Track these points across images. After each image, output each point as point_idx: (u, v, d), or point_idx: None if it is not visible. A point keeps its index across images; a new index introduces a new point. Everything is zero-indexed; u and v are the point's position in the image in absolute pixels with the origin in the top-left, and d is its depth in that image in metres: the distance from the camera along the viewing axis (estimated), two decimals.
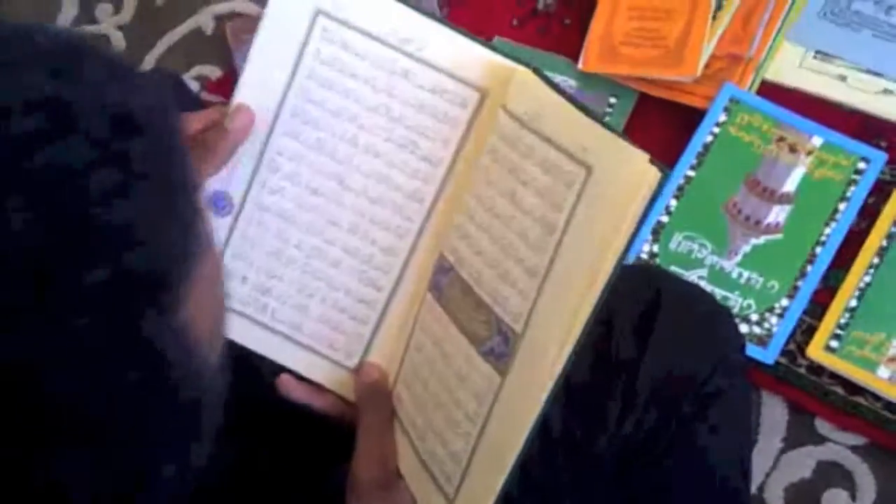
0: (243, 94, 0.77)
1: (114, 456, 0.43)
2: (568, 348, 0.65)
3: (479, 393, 0.71)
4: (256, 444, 0.92)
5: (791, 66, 1.30)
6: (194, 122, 0.75)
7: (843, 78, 1.28)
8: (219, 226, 0.79)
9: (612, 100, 1.30)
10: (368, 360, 0.81)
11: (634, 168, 0.62)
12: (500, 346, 0.70)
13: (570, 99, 0.68)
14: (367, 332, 0.82)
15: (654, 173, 0.61)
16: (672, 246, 1.21)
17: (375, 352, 0.83)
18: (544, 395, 0.66)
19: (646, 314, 0.92)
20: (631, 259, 1.19)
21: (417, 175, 0.79)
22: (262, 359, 0.85)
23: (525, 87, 0.72)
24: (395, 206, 0.79)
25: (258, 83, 0.77)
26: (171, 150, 0.44)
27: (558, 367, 0.65)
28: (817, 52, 1.30)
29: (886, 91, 1.26)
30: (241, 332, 0.80)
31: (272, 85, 0.77)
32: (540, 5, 1.41)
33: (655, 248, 1.21)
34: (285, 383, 0.83)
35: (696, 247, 1.21)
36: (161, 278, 0.41)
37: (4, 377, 0.37)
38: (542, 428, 0.71)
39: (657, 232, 1.21)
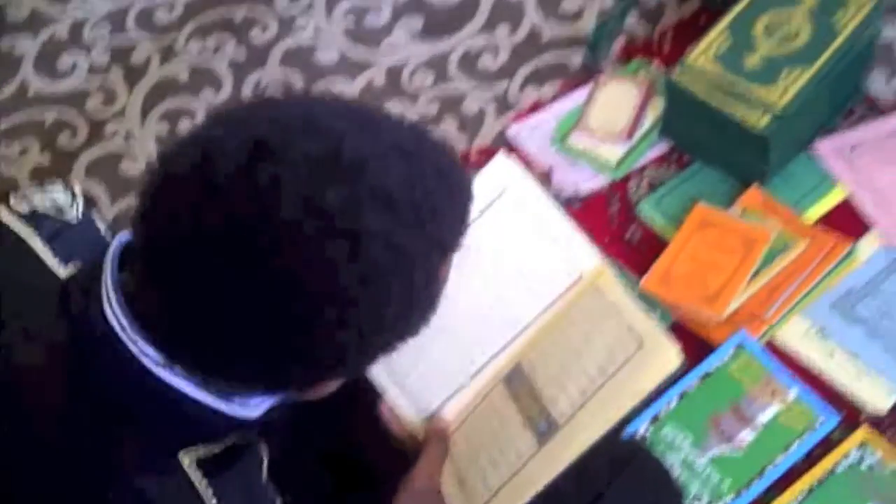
0: None
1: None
2: (587, 445, 1.01)
3: (520, 452, 1.06)
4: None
5: (795, 333, 1.59)
6: None
7: (831, 355, 1.56)
8: None
9: (654, 316, 1.64)
10: (439, 414, 1.14)
11: (669, 353, 1.01)
12: (543, 428, 1.05)
13: (638, 300, 1.08)
14: (447, 394, 1.14)
15: (679, 360, 1.00)
16: (663, 433, 1.53)
17: (447, 408, 1.14)
18: (561, 468, 1.02)
19: (621, 466, 1.22)
20: (629, 433, 1.53)
21: (520, 308, 1.13)
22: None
23: (612, 281, 1.11)
24: (499, 323, 1.14)
25: None
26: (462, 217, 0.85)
27: (575, 454, 1.01)
28: (819, 329, 1.59)
29: (860, 375, 1.54)
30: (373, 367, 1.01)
31: None
32: (628, 236, 1.77)
33: (650, 431, 1.53)
34: (384, 407, 1.16)
35: (679, 439, 1.52)
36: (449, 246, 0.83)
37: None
38: None
39: (656, 420, 1.54)
